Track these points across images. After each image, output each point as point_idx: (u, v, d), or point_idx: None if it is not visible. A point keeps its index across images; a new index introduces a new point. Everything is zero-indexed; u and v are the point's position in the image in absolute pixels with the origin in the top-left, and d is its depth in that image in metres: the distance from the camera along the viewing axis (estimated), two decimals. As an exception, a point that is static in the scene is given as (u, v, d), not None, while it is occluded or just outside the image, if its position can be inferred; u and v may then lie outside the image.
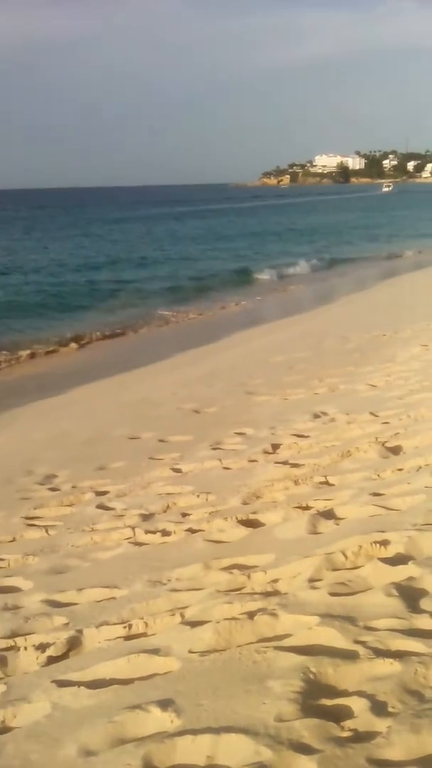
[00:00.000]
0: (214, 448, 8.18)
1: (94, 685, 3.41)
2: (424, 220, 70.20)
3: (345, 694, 2.93)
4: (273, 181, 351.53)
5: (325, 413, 8.82)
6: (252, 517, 5.59)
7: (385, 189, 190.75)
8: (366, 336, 15.00)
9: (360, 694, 2.88)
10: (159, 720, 2.94)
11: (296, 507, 5.58)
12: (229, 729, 2.75)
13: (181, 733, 2.80)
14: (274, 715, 2.78)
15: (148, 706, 3.03)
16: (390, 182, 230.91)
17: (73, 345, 19.15)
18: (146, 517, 6.21)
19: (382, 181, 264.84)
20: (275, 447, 7.69)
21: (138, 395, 12.23)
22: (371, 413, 8.28)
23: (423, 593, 3.62)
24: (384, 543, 4.28)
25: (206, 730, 2.77)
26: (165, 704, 3.01)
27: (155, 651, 3.57)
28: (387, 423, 7.74)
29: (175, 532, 5.67)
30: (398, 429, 7.34)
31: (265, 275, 32.32)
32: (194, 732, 2.78)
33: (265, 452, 7.57)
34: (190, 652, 3.47)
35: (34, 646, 4.04)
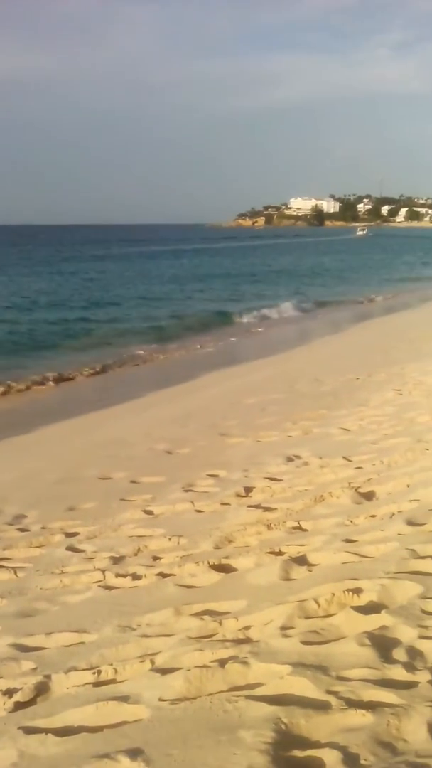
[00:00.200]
0: (187, 490, 8.14)
1: (62, 732, 3.35)
2: (398, 265, 71.02)
3: (317, 745, 2.90)
4: (248, 222, 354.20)
5: (298, 456, 8.83)
6: (224, 561, 5.55)
7: (360, 233, 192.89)
8: (340, 379, 15.07)
9: (332, 745, 2.86)
10: (128, 770, 2.90)
11: (269, 552, 5.54)
12: (199, 781, 2.71)
13: (149, 784, 2.76)
14: (245, 766, 2.75)
15: (117, 755, 2.98)
16: (364, 226, 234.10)
17: (47, 383, 19.06)
18: (117, 560, 6.15)
19: (357, 224, 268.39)
20: (248, 490, 7.67)
21: (110, 435, 12.18)
22: (344, 458, 8.30)
23: (396, 643, 3.60)
24: (357, 591, 4.27)
25: (176, 782, 2.73)
26: (134, 754, 2.96)
27: (125, 698, 3.52)
28: (360, 468, 7.76)
29: (145, 576, 5.62)
30: (371, 474, 7.35)
31: (242, 317, 32.34)
32: (163, 784, 2.74)
33: (238, 495, 7.55)
34: (160, 700, 3.42)
35: (0, 691, 3.96)
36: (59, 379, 19.32)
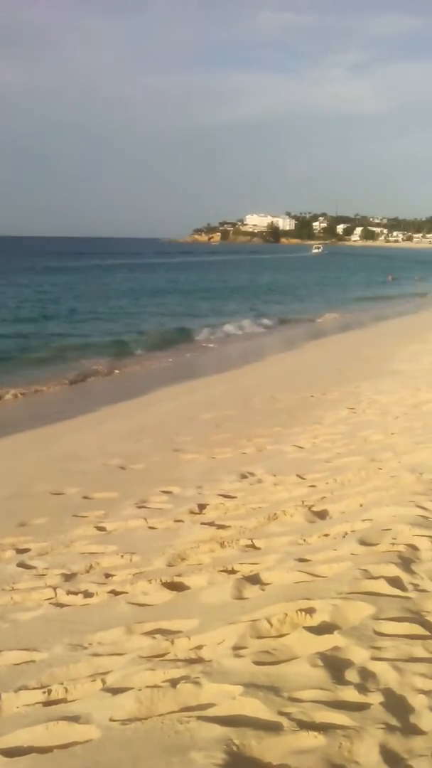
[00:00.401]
0: (140, 507, 8.11)
1: (11, 753, 3.31)
2: (352, 284, 71.52)
3: (268, 767, 2.89)
4: (204, 237, 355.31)
5: (252, 474, 8.84)
6: (177, 579, 5.53)
7: (315, 251, 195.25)
8: (295, 396, 15.13)
9: (283, 767, 2.85)
10: (77, 793, 2.86)
11: (222, 570, 5.53)
12: (149, 804, 2.68)
13: (99, 807, 2.73)
14: (196, 789, 2.73)
15: (67, 777, 2.94)
16: (320, 244, 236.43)
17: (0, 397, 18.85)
18: (68, 577, 6.10)
19: (312, 242, 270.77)
20: (202, 507, 7.66)
21: (64, 449, 12.09)
22: (298, 475, 8.33)
23: (348, 664, 3.61)
24: (309, 611, 4.27)
25: (126, 805, 2.71)
26: (84, 776, 2.93)
27: (75, 718, 3.49)
28: (314, 486, 7.79)
29: (97, 593, 5.58)
30: (325, 493, 7.38)
31: (200, 333, 32.19)
32: (113, 807, 2.71)
33: (192, 512, 7.54)
34: (111, 720, 3.39)
35: None
36: (10, 394, 19.10)
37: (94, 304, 47.83)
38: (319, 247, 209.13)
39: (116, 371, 22.66)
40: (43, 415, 15.93)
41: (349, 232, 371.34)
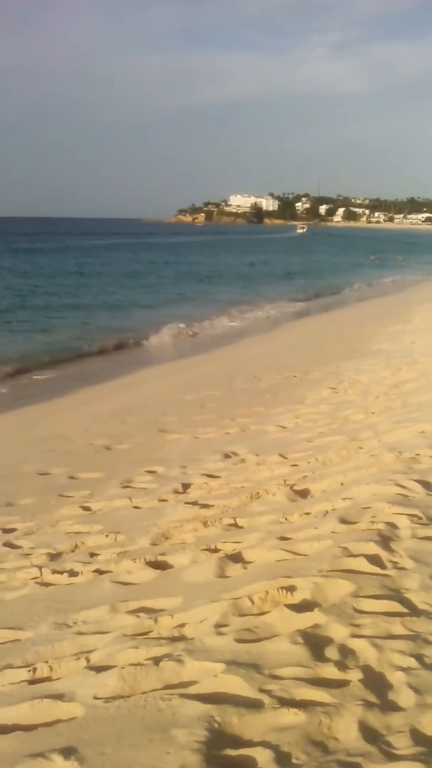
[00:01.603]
0: (125, 486, 8.16)
1: (-4, 731, 3.35)
2: (347, 264, 71.04)
3: (249, 744, 2.95)
4: (188, 218, 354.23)
5: (235, 453, 8.89)
6: (160, 558, 5.58)
7: (300, 231, 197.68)
8: (277, 377, 15.18)
9: (264, 744, 2.91)
10: (61, 769, 2.91)
11: (205, 549, 5.58)
12: (131, 779, 2.74)
13: (82, 783, 2.78)
14: (177, 765, 2.78)
15: (51, 754, 2.99)
16: (304, 224, 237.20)
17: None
18: (54, 557, 6.14)
19: (296, 223, 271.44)
20: (185, 486, 7.72)
21: (49, 430, 12.11)
22: (280, 455, 8.38)
23: (328, 641, 3.67)
24: (290, 589, 4.32)
25: (108, 781, 2.76)
26: (68, 753, 2.98)
27: (59, 696, 3.54)
28: (296, 465, 7.84)
29: (82, 572, 5.63)
30: (306, 472, 7.44)
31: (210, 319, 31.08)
32: (96, 782, 2.76)
33: (176, 492, 7.59)
34: (95, 698, 3.44)
35: None
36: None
37: (78, 284, 47.25)
38: (303, 228, 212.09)
39: (105, 353, 22.31)
40: (27, 396, 15.92)
41: (331, 212, 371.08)
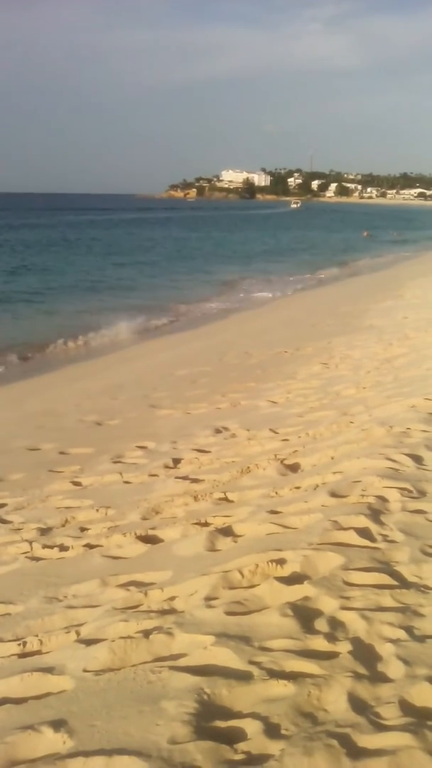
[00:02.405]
0: (115, 462, 8.15)
1: (-14, 704, 3.35)
2: (343, 239, 70.64)
3: (239, 715, 2.96)
4: (180, 193, 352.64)
5: (226, 428, 8.89)
6: (151, 532, 5.59)
7: (294, 206, 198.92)
8: (268, 352, 15.17)
9: (254, 716, 2.91)
10: (51, 741, 2.92)
11: (195, 523, 5.59)
12: (121, 751, 2.74)
13: (73, 755, 2.79)
14: (167, 737, 2.78)
15: (41, 726, 3.00)
16: (297, 200, 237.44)
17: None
18: (44, 532, 6.14)
19: (288, 198, 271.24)
20: (176, 462, 7.71)
21: (40, 406, 12.09)
22: (271, 430, 8.38)
23: (317, 614, 3.68)
24: (280, 562, 4.33)
25: (98, 752, 2.76)
26: (58, 725, 2.99)
27: (49, 669, 3.54)
28: (286, 440, 7.84)
29: (72, 547, 5.63)
30: (297, 446, 7.44)
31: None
32: (86, 754, 2.77)
33: (166, 467, 7.59)
34: (85, 671, 3.45)
35: None
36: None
37: (71, 260, 47.00)
38: (297, 203, 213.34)
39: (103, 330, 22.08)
40: (18, 372, 15.89)
41: (324, 188, 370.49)
